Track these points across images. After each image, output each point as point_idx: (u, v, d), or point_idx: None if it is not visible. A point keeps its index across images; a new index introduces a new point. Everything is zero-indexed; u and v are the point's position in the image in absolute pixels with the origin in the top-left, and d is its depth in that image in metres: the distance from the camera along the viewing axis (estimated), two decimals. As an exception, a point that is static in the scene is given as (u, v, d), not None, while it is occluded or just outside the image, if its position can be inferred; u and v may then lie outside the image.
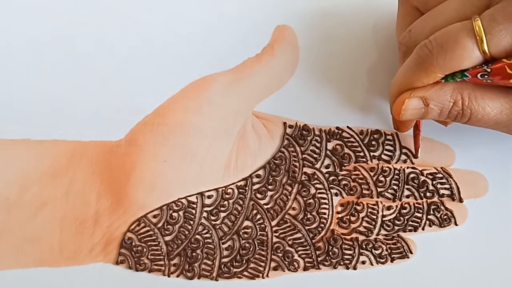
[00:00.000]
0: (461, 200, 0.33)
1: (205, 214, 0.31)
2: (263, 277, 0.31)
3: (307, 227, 0.32)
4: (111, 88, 0.34)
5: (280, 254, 0.31)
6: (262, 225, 0.32)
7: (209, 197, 0.32)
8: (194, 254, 0.31)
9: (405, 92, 0.29)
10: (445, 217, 0.32)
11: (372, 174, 0.33)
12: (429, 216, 0.32)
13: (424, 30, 0.29)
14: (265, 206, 0.32)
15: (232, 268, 0.31)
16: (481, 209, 0.33)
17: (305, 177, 0.33)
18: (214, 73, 0.34)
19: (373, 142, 0.34)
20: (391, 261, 0.32)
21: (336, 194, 0.33)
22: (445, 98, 0.28)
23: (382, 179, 0.33)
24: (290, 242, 0.32)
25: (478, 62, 0.27)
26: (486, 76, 0.27)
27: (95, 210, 0.31)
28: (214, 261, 0.31)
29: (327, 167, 0.33)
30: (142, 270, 0.31)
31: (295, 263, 0.31)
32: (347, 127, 0.34)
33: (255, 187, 0.32)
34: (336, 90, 0.35)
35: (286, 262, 0.31)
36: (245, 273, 0.31)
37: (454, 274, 0.31)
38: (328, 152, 0.33)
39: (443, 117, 0.29)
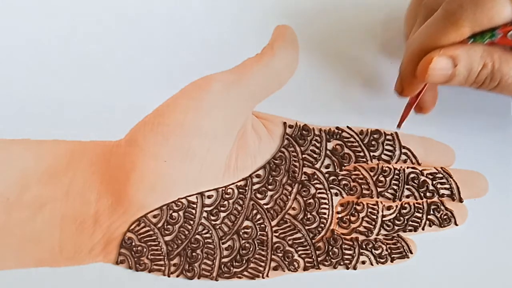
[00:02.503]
0: (461, 200, 0.33)
1: (205, 214, 0.31)
2: (263, 277, 0.31)
3: (307, 227, 0.32)
4: (111, 88, 0.34)
5: (280, 254, 0.31)
6: (262, 225, 0.32)
7: (209, 197, 0.32)
8: (194, 254, 0.31)
9: (432, 51, 0.27)
10: (445, 217, 0.32)
11: (372, 174, 0.33)
12: (429, 216, 0.32)
13: None
14: (265, 206, 0.32)
15: (232, 268, 0.31)
16: (481, 209, 0.33)
17: (305, 177, 0.33)
18: (214, 73, 0.33)
19: (373, 142, 0.34)
20: (391, 261, 0.32)
21: (336, 194, 0.33)
22: (474, 59, 0.27)
23: (382, 179, 0.33)
24: (290, 242, 0.32)
25: (510, 19, 0.26)
26: None
27: (95, 210, 0.31)
28: (214, 261, 0.31)
29: (327, 167, 0.33)
30: (142, 270, 0.31)
31: (295, 263, 0.31)
32: (347, 127, 0.34)
33: (255, 187, 0.32)
34: (336, 90, 0.35)
35: (286, 262, 0.31)
36: (245, 273, 0.31)
37: (454, 274, 0.31)
38: (328, 152, 0.33)
39: (470, 82, 0.27)
